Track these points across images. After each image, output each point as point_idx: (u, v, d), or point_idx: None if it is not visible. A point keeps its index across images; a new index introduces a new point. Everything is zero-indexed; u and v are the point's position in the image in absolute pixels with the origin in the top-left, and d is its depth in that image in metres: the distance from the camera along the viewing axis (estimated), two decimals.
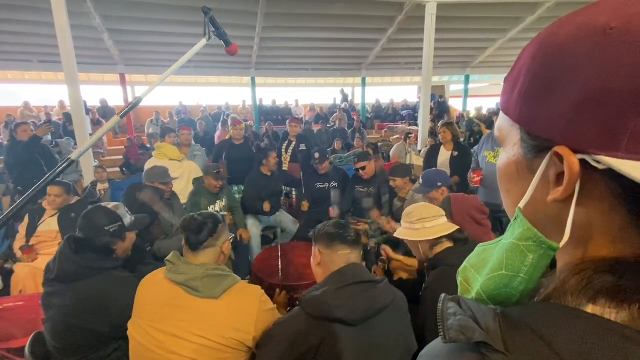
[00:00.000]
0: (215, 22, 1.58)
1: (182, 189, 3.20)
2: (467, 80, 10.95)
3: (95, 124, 8.13)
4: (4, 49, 6.81)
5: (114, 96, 11.23)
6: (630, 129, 0.24)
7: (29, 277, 2.48)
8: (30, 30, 5.98)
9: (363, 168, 3.09)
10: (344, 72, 10.21)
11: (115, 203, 1.71)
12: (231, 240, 1.38)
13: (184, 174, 3.39)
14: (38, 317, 1.64)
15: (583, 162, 0.27)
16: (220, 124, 8.30)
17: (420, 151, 5.73)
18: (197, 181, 3.09)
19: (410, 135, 6.03)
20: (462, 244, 1.47)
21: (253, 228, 3.27)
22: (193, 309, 1.13)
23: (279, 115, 10.98)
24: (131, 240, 1.62)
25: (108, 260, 1.46)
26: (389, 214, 2.82)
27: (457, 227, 1.50)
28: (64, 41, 3.90)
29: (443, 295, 0.34)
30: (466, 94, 11.33)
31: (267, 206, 3.19)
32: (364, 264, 1.30)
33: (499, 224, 2.81)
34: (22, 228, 2.75)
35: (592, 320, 0.26)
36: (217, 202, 3.05)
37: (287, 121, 4.40)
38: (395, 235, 1.62)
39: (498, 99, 0.42)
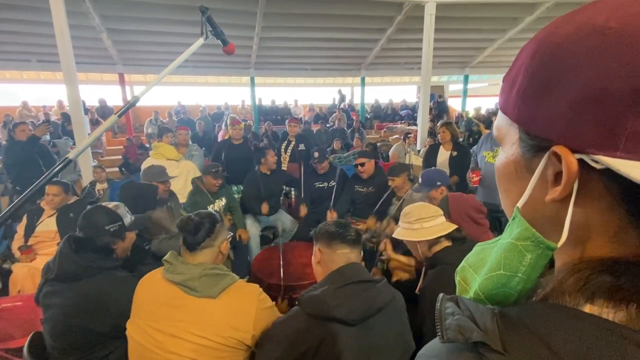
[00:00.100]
0: (212, 21, 1.58)
1: (180, 189, 3.20)
2: (466, 80, 10.96)
3: (94, 123, 8.11)
4: (2, 48, 6.79)
5: (113, 96, 11.26)
6: (628, 129, 0.24)
7: (27, 277, 2.48)
8: (29, 29, 5.96)
9: (362, 164, 3.09)
10: (343, 72, 10.21)
11: (115, 202, 1.71)
12: (229, 240, 1.37)
13: (181, 173, 3.39)
14: (36, 317, 1.64)
15: (581, 162, 0.27)
16: (223, 124, 8.26)
17: (419, 151, 5.73)
18: (196, 181, 3.08)
19: (409, 135, 6.02)
20: (460, 242, 1.48)
21: (252, 228, 3.26)
22: (191, 309, 1.13)
23: (278, 115, 10.97)
24: (131, 239, 1.63)
25: (108, 260, 1.46)
26: (388, 216, 2.81)
27: (456, 227, 1.51)
28: (63, 41, 3.89)
29: (441, 294, 0.34)
30: (465, 93, 11.34)
31: (265, 208, 3.18)
32: (363, 263, 1.30)
33: (498, 224, 2.80)
34: (21, 228, 2.75)
35: (590, 320, 0.26)
36: (216, 201, 3.05)
37: (287, 121, 4.40)
38: (394, 235, 1.62)
39: (497, 99, 0.42)
